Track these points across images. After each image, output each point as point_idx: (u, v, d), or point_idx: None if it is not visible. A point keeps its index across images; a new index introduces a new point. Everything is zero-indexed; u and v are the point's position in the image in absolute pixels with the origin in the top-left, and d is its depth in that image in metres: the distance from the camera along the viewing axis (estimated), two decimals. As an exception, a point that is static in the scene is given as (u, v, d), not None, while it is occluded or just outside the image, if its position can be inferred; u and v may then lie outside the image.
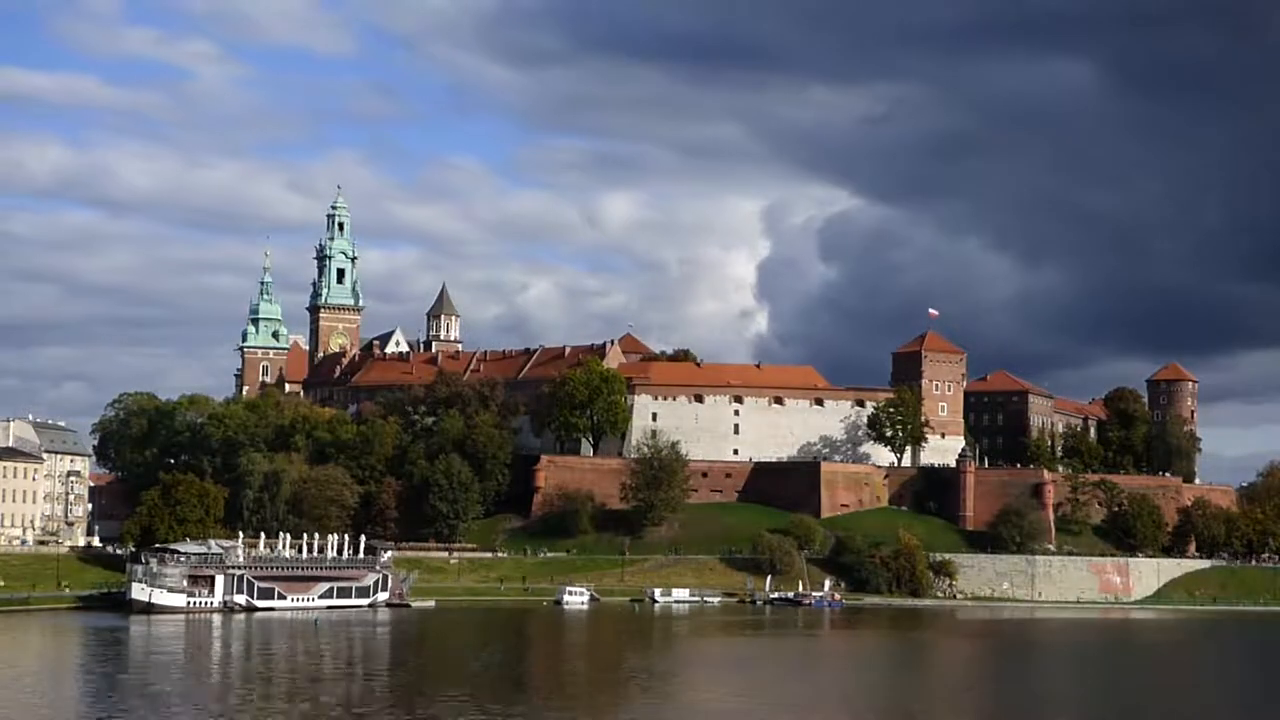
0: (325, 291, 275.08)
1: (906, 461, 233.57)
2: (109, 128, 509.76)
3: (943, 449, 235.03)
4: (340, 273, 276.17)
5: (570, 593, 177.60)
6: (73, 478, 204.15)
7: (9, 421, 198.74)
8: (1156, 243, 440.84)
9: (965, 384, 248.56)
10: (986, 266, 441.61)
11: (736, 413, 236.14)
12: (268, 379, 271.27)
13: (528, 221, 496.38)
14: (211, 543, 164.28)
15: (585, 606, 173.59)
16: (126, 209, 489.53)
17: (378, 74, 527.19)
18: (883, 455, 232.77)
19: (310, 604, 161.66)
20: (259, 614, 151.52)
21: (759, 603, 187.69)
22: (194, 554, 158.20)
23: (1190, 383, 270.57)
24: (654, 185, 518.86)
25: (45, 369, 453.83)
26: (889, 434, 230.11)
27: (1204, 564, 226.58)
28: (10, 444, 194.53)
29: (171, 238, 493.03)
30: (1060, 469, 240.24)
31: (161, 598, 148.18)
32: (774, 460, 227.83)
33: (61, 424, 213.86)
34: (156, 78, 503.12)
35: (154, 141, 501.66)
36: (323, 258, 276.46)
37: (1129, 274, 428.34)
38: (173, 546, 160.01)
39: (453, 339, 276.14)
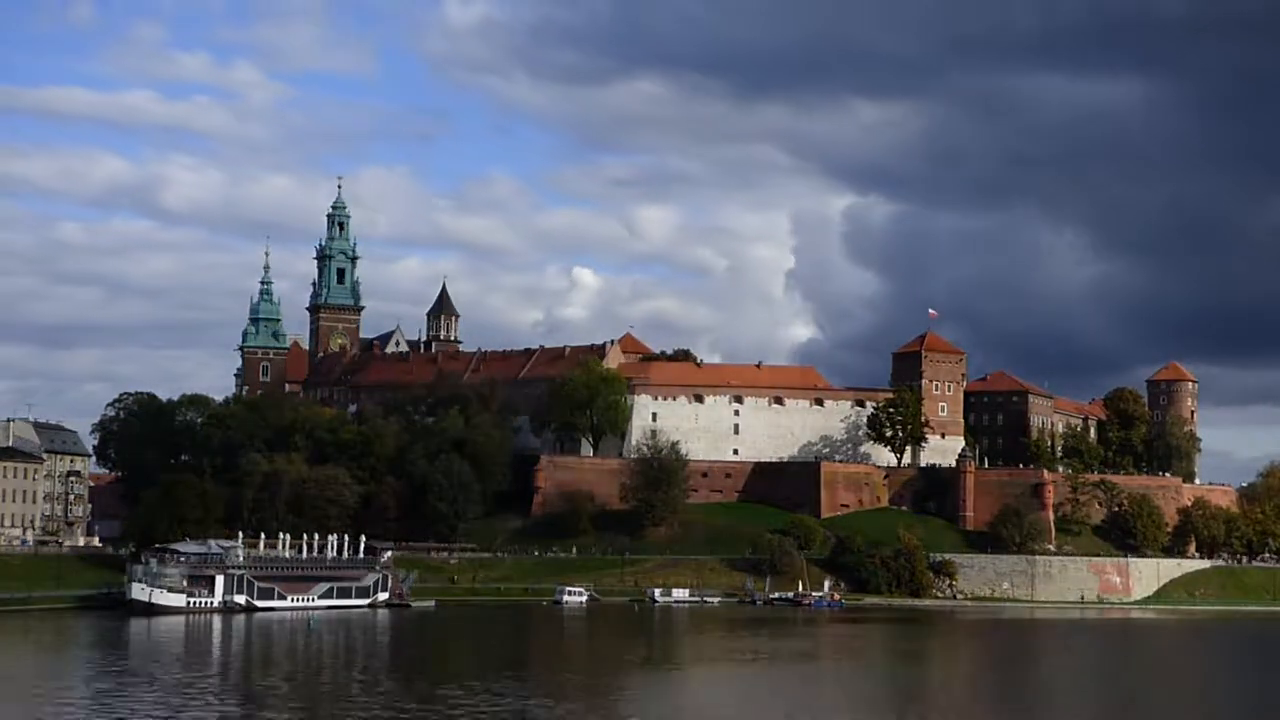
0: (325, 291, 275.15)
1: (906, 461, 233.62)
2: (161, 144, 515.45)
3: (943, 449, 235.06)
4: (340, 273, 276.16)
5: (568, 592, 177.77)
6: (73, 478, 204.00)
7: (9, 421, 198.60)
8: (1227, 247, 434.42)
9: (965, 384, 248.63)
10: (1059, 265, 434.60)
11: (736, 413, 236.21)
12: (268, 379, 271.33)
13: (567, 231, 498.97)
14: (211, 543, 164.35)
15: (583, 606, 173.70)
16: (177, 219, 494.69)
17: (413, 97, 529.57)
18: (883, 455, 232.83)
19: (310, 604, 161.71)
20: (259, 614, 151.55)
21: (759, 603, 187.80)
22: (194, 554, 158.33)
23: (1190, 383, 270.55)
24: (695, 198, 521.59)
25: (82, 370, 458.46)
26: (889, 434, 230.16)
27: (1204, 564, 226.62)
28: (10, 444, 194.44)
29: (218, 245, 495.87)
30: (1060, 469, 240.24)
31: (161, 598, 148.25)
32: (774, 460, 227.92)
33: (62, 424, 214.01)
34: (205, 97, 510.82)
35: (203, 156, 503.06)
36: (323, 258, 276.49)
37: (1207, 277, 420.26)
38: (173, 546, 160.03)
39: (453, 339, 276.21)
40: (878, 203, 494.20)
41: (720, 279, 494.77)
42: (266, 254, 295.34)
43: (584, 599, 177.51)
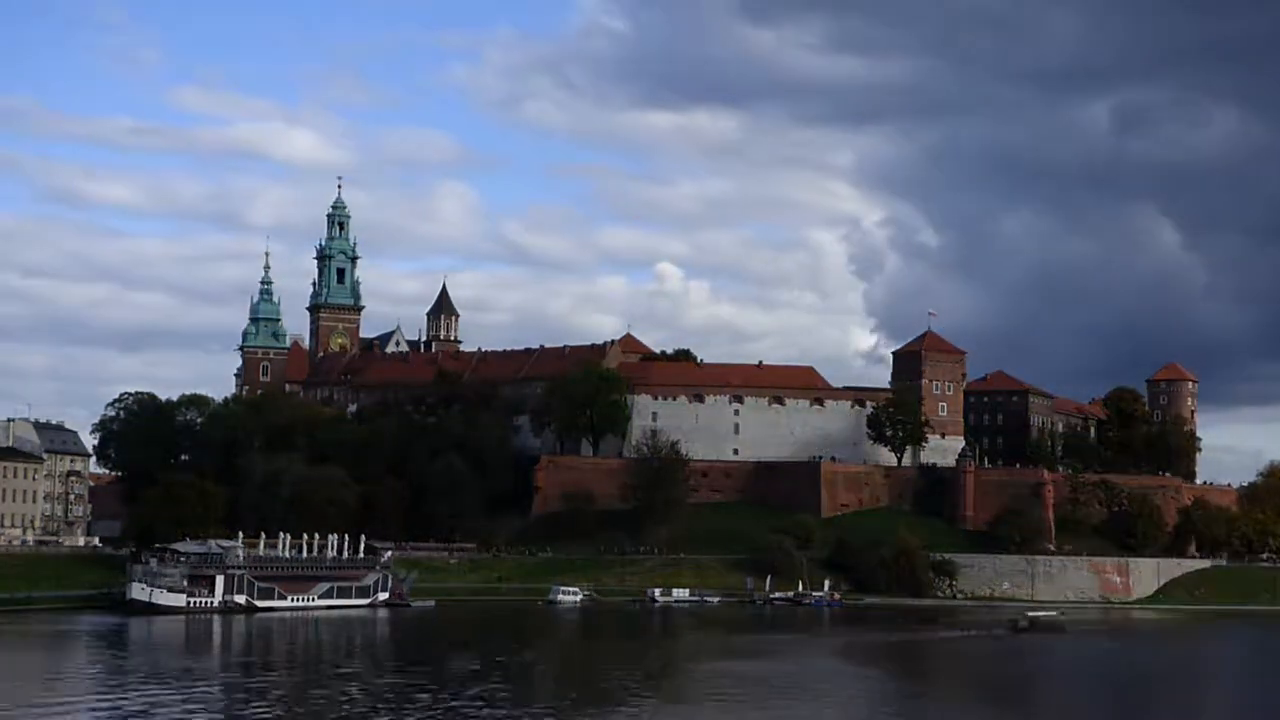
0: (325, 291, 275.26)
1: (906, 461, 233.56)
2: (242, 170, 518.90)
3: (943, 449, 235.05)
4: (340, 272, 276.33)
5: (563, 592, 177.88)
6: (73, 478, 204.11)
7: (9, 421, 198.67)
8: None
9: (965, 384, 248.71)
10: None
11: (736, 413, 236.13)
12: (268, 378, 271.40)
13: (624, 248, 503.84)
14: (211, 543, 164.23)
15: (577, 605, 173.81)
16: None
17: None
18: (883, 455, 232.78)
19: (310, 604, 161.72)
20: (259, 614, 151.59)
21: (759, 602, 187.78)
22: (194, 554, 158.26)
23: (1190, 382, 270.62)
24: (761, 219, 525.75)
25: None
26: (889, 434, 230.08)
27: (1204, 564, 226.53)
28: (10, 444, 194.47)
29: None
30: (1060, 469, 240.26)
31: (161, 597, 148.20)
32: (774, 460, 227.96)
33: (62, 423, 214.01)
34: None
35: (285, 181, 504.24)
36: (323, 257, 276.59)
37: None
38: (173, 546, 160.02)
39: (453, 339, 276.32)
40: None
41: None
42: (267, 254, 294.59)
43: (579, 599, 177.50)
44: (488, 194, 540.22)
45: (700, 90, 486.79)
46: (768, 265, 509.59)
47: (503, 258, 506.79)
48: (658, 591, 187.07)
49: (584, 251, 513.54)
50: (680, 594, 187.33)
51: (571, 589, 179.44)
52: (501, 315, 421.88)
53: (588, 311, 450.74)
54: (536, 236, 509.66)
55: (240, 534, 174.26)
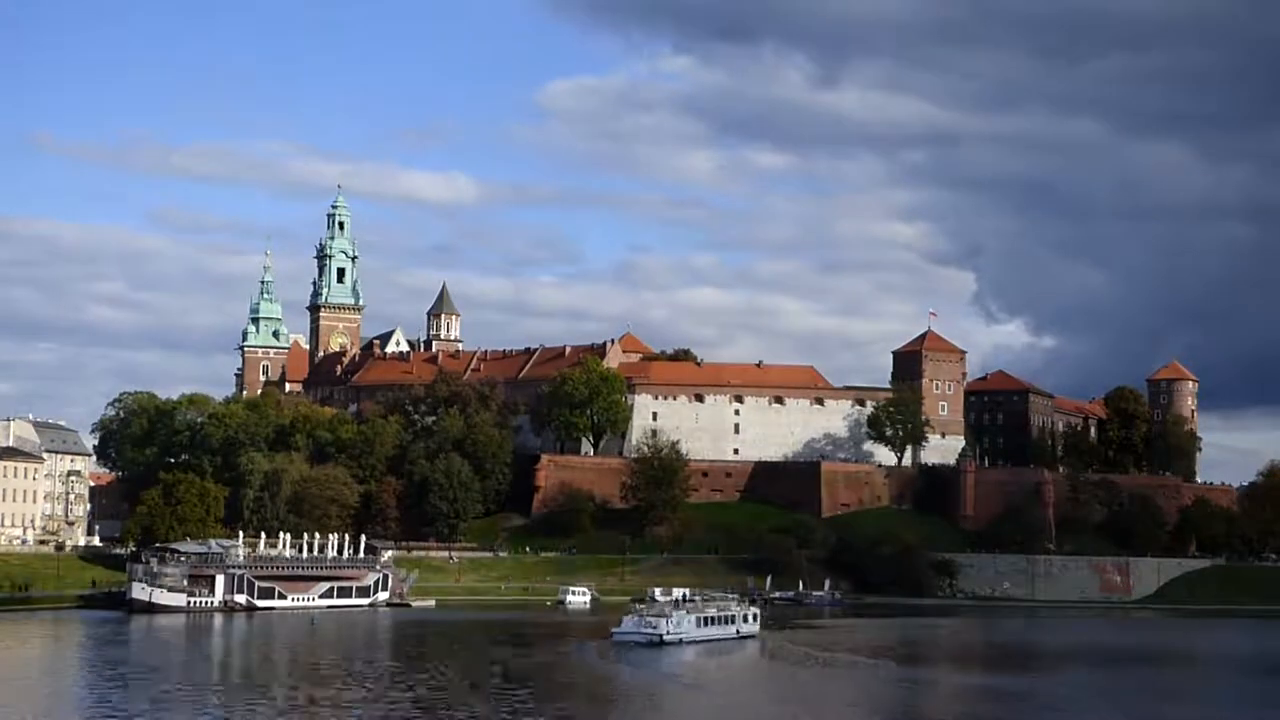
0: (325, 291, 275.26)
1: (907, 461, 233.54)
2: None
3: (943, 449, 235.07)
4: (340, 272, 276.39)
5: (572, 593, 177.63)
6: (73, 477, 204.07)
7: (9, 421, 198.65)
8: None
9: (965, 383, 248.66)
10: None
11: (737, 412, 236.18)
12: (269, 378, 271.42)
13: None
14: (212, 542, 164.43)
15: (587, 606, 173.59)
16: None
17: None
18: (883, 455, 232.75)
19: (311, 603, 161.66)
20: (259, 613, 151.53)
21: (759, 602, 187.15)
22: (194, 553, 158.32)
23: (1190, 382, 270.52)
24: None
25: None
26: (889, 434, 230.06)
27: (1204, 563, 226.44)
28: (10, 444, 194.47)
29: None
30: (1060, 469, 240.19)
31: (162, 597, 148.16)
32: (774, 460, 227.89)
33: (62, 423, 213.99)
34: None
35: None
36: (323, 257, 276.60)
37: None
38: (173, 546, 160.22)
39: (453, 338, 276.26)
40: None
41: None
42: (267, 254, 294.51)
43: (587, 600, 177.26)
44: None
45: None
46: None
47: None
48: (658, 591, 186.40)
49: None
50: (680, 594, 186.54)
51: (581, 589, 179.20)
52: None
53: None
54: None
55: (240, 533, 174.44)
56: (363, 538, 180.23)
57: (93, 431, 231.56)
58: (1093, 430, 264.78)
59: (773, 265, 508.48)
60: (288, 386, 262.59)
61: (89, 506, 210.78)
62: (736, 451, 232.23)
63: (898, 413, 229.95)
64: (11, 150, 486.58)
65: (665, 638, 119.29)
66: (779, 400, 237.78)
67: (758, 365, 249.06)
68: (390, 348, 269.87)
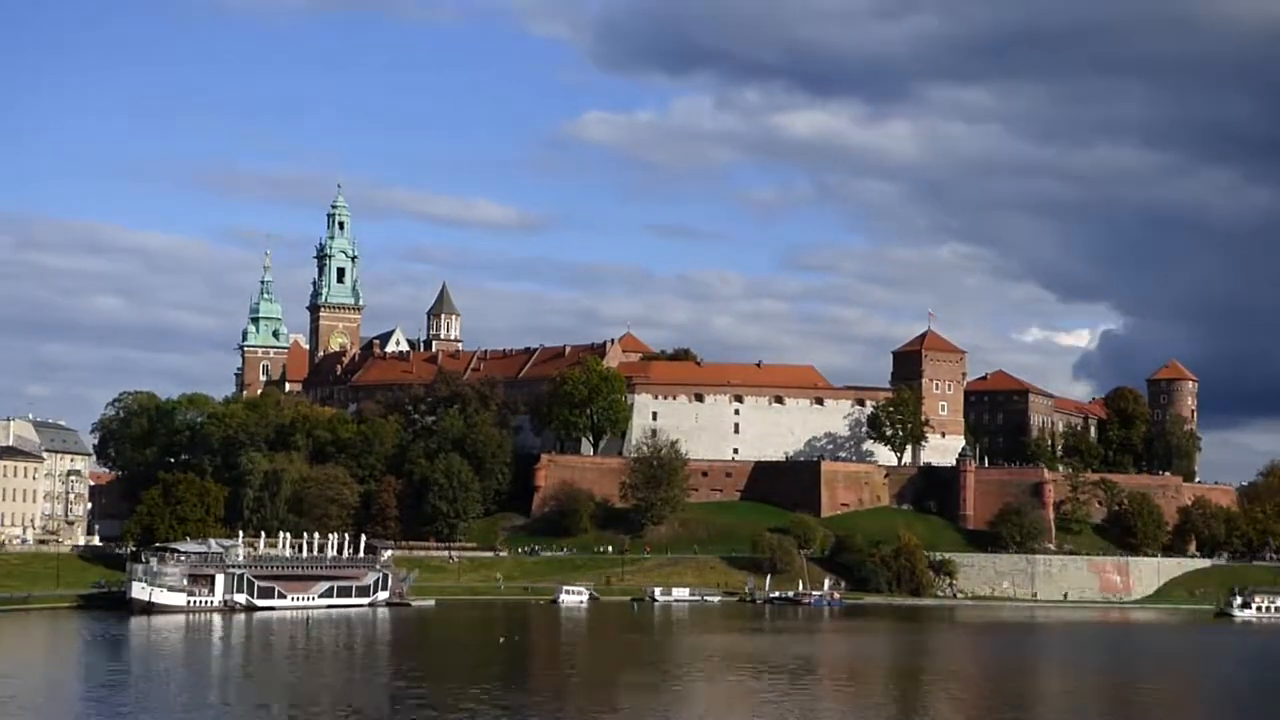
0: (325, 291, 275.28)
1: (907, 461, 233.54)
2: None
3: (943, 448, 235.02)
4: (340, 272, 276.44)
5: (568, 592, 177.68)
6: (73, 477, 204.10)
7: (9, 421, 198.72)
8: None
9: (965, 383, 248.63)
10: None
11: (737, 412, 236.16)
12: (268, 378, 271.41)
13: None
14: (211, 542, 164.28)
15: (584, 605, 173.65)
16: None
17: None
18: (883, 455, 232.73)
19: (311, 603, 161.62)
20: (259, 613, 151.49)
21: (759, 602, 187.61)
22: (194, 553, 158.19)
23: (1190, 382, 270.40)
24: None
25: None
26: (889, 433, 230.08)
27: (1204, 563, 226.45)
28: (10, 443, 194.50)
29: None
30: (1060, 468, 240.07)
31: (162, 597, 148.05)
32: (774, 460, 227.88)
33: (62, 423, 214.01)
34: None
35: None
36: (323, 257, 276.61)
37: None
38: (173, 546, 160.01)
39: (453, 338, 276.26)
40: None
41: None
42: (267, 254, 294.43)
43: (584, 599, 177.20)
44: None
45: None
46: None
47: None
48: (658, 591, 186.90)
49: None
50: (680, 593, 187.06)
51: (577, 589, 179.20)
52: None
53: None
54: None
55: (240, 533, 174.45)
56: (363, 537, 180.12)
57: (92, 431, 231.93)
58: (1092, 430, 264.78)
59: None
60: (288, 386, 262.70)
61: (89, 506, 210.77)
62: (736, 451, 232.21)
63: (898, 412, 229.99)
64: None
65: None
66: (779, 400, 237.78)
67: (758, 365, 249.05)
68: (390, 347, 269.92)
